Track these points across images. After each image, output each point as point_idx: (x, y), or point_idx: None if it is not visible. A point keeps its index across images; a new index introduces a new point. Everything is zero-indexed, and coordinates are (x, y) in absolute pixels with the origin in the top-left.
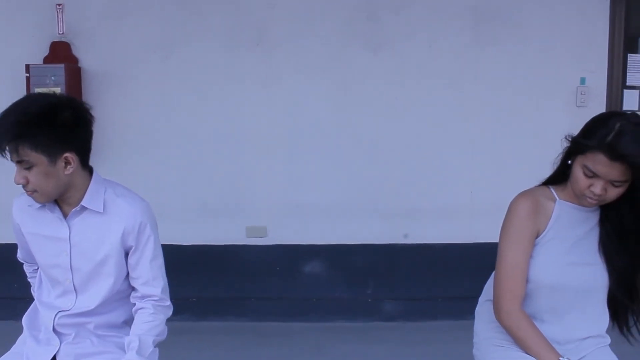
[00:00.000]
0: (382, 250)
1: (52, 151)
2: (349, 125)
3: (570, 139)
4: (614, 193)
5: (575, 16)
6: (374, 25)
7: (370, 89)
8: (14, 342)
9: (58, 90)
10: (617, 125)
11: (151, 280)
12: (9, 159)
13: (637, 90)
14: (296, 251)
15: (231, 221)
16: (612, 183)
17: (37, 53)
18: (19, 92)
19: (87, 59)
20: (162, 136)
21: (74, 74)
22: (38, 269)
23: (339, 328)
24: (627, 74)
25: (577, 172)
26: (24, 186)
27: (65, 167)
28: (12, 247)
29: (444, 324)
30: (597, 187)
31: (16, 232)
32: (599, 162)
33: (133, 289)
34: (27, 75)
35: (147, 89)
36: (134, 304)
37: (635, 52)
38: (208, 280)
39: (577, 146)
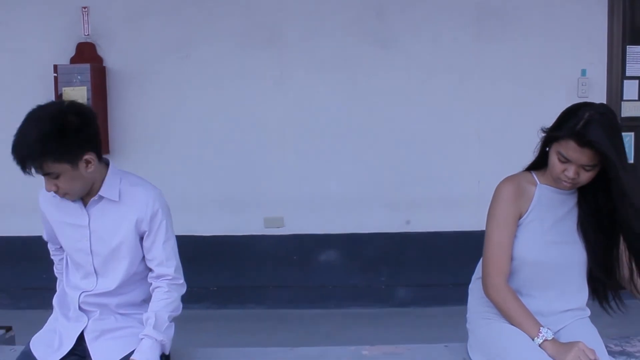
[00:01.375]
0: (394, 239)
1: (72, 158)
2: (360, 118)
3: (545, 130)
4: (585, 176)
5: (575, 10)
6: (381, 23)
7: (379, 84)
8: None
9: (84, 88)
10: (586, 115)
11: (165, 261)
12: (34, 174)
13: (637, 81)
14: (312, 241)
15: (249, 213)
16: (584, 167)
17: (64, 54)
18: (48, 91)
19: (111, 58)
20: (182, 131)
21: (99, 73)
22: (60, 247)
23: (354, 314)
24: (627, 65)
25: (553, 158)
26: (55, 192)
27: (87, 166)
28: (40, 240)
29: (454, 309)
30: (570, 171)
31: (43, 218)
32: (570, 148)
33: (150, 270)
34: (55, 75)
35: (168, 86)
36: (151, 284)
37: (634, 44)
38: (228, 269)
39: (552, 135)
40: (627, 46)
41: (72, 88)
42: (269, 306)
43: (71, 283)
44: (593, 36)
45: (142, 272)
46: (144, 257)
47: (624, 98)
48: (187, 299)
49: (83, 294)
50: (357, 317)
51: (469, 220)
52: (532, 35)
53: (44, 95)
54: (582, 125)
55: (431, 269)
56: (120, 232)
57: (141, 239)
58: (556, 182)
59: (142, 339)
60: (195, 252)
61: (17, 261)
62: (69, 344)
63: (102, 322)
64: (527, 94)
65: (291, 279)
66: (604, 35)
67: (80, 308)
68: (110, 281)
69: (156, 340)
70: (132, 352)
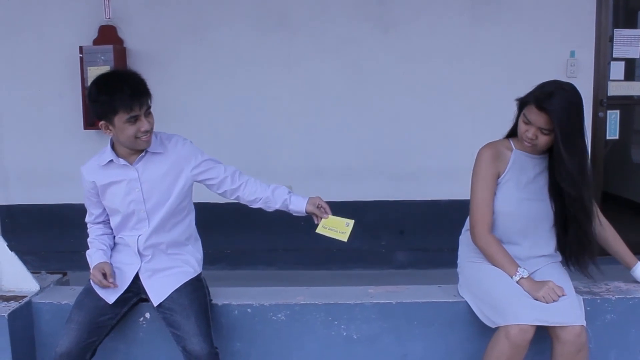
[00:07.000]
0: (393, 207)
1: (150, 95)
2: (361, 97)
3: (518, 99)
4: (543, 140)
5: None
6: (383, 8)
7: (380, 65)
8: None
9: (107, 68)
10: (551, 88)
11: (232, 173)
12: (138, 112)
13: (623, 62)
14: None
15: None
16: (541, 130)
17: (87, 36)
18: (74, 70)
19: (131, 40)
20: (197, 109)
21: (120, 55)
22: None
23: (356, 275)
24: (614, 47)
25: (520, 120)
26: (145, 131)
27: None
28: (67, 208)
29: (449, 271)
30: (530, 132)
31: (88, 192)
32: (532, 112)
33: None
34: (81, 55)
35: (184, 67)
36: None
37: (621, 27)
38: (241, 234)
39: (522, 100)
40: (615, 29)
41: (96, 67)
42: (278, 267)
43: (126, 235)
44: (582, 20)
45: (182, 212)
46: (183, 200)
47: (611, 78)
48: (204, 261)
49: (140, 237)
50: (359, 278)
51: (462, 189)
52: (523, 19)
53: (72, 74)
54: (544, 94)
55: (428, 234)
56: (168, 176)
57: (185, 183)
58: (520, 143)
59: (285, 199)
60: (212, 219)
61: (46, 227)
62: (126, 283)
63: (154, 263)
64: (518, 74)
65: (299, 243)
66: (592, 19)
67: (138, 251)
68: (158, 217)
69: (289, 191)
70: (179, 286)
